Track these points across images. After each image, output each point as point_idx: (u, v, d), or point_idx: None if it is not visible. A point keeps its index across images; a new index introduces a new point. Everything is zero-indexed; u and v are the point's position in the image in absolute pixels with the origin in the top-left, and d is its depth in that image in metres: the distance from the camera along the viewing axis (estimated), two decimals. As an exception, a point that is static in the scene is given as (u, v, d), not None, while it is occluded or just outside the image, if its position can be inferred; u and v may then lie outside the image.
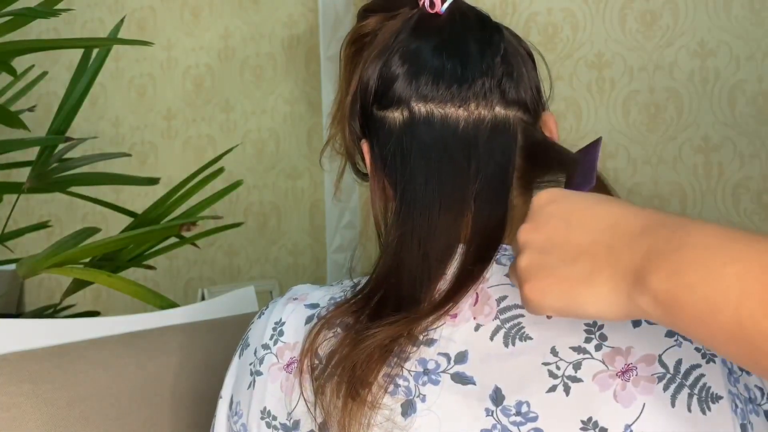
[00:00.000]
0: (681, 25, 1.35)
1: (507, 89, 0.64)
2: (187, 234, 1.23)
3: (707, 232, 0.43)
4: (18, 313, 1.57)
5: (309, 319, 0.65)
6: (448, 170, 0.62)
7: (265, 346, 0.66)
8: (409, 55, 0.64)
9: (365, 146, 0.68)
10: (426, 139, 0.63)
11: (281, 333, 0.66)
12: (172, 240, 1.29)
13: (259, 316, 0.70)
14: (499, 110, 0.63)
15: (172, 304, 1.05)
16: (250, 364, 0.67)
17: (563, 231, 0.50)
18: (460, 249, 0.61)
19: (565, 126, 1.40)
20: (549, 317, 0.58)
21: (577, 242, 0.49)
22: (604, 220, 0.49)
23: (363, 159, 0.70)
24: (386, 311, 0.59)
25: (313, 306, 0.66)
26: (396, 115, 0.64)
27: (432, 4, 0.66)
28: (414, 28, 0.66)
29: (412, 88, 0.63)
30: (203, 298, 1.41)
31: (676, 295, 0.42)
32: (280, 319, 0.67)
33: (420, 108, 0.63)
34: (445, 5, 0.66)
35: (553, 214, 0.51)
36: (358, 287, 0.65)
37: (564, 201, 0.52)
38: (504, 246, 0.62)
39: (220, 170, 1.32)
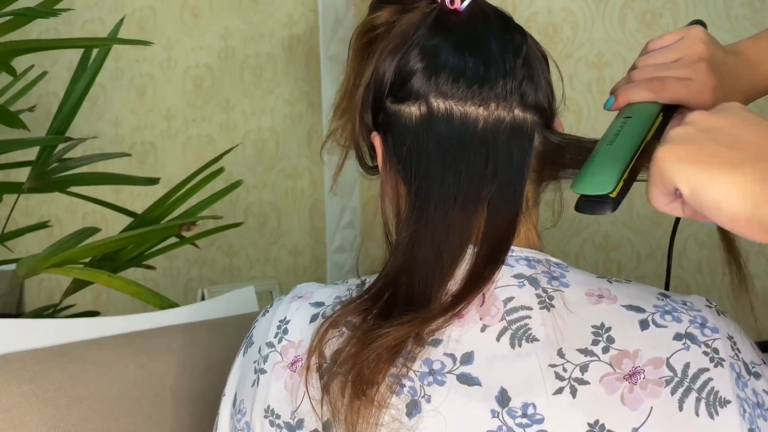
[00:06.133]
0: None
1: (527, 92, 0.63)
2: (187, 234, 1.23)
3: None
4: (18, 313, 1.57)
5: (314, 318, 0.65)
6: (465, 169, 0.61)
7: (270, 344, 0.66)
8: (428, 51, 0.63)
9: (377, 139, 0.67)
10: (444, 136, 0.62)
11: (286, 331, 0.66)
12: (172, 240, 1.29)
13: (264, 314, 0.70)
14: (518, 113, 0.63)
15: (172, 304, 1.05)
16: (254, 362, 0.67)
17: (737, 125, 0.48)
18: (470, 249, 0.61)
19: (565, 126, 1.40)
20: (557, 319, 0.58)
21: (745, 135, 0.47)
22: None
23: (371, 152, 0.69)
24: (396, 311, 0.59)
25: (318, 304, 0.66)
26: (413, 110, 0.63)
27: (452, 1, 0.65)
28: (433, 23, 0.65)
29: (431, 84, 0.62)
30: (203, 298, 1.41)
31: None
32: (285, 318, 0.67)
33: (439, 104, 0.62)
34: (465, 2, 0.65)
35: (736, 112, 0.50)
36: (365, 286, 0.64)
37: (750, 112, 0.50)
38: (512, 248, 0.62)
39: (220, 170, 1.32)
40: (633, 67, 0.68)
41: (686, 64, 0.64)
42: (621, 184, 0.57)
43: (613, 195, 0.56)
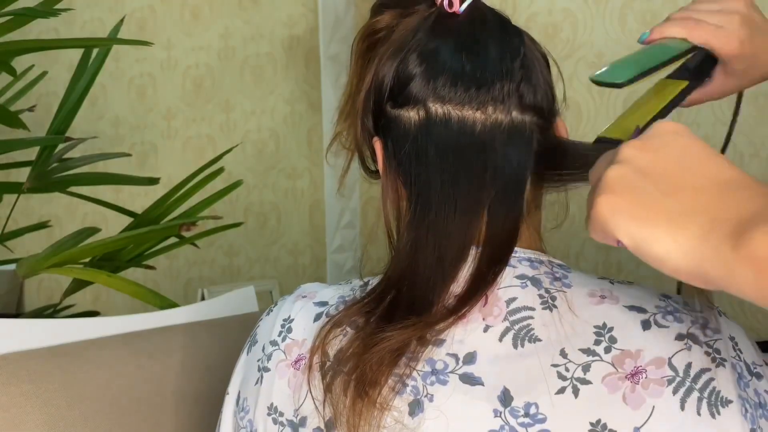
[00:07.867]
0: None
1: (525, 94, 0.63)
2: (187, 234, 1.23)
3: None
4: (18, 313, 1.57)
5: (317, 317, 0.65)
6: (463, 173, 0.61)
7: (273, 343, 0.66)
8: (427, 55, 0.63)
9: (378, 144, 0.67)
10: (442, 140, 0.62)
11: (290, 330, 0.66)
12: (172, 240, 1.29)
13: (268, 313, 0.70)
14: (516, 115, 0.63)
15: (172, 304, 1.05)
16: (258, 361, 0.67)
17: (674, 163, 0.47)
18: (473, 252, 0.61)
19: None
20: (556, 320, 0.58)
21: (683, 179, 0.46)
22: (722, 173, 0.45)
23: (373, 156, 0.69)
24: (399, 313, 0.59)
25: (322, 304, 0.67)
26: (411, 115, 0.63)
27: (450, 4, 0.65)
28: (432, 27, 0.65)
29: (430, 88, 0.62)
30: (203, 298, 1.41)
31: None
32: (289, 316, 0.67)
33: (437, 109, 0.62)
34: (464, 5, 0.65)
35: (671, 144, 0.48)
36: (369, 287, 0.64)
37: (688, 137, 0.48)
38: (514, 249, 0.62)
39: (220, 170, 1.33)
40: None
41: (722, 14, 0.68)
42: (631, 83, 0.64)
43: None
